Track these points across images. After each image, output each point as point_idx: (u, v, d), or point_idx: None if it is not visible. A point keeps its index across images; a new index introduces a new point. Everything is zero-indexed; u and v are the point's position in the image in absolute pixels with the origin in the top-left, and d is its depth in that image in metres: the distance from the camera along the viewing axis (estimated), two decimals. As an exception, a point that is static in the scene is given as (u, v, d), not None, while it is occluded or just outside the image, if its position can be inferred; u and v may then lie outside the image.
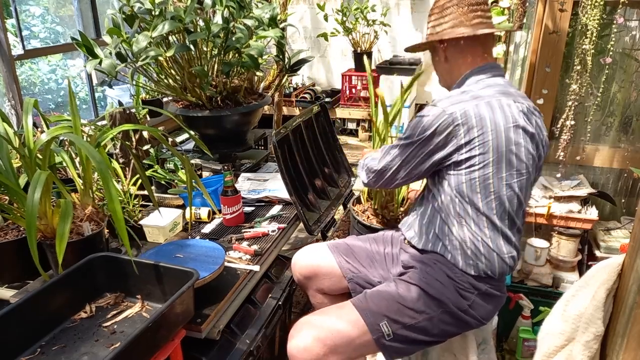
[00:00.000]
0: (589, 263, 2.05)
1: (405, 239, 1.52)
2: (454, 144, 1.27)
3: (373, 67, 4.93)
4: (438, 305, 1.34)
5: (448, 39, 1.36)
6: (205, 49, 2.14)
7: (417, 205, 1.51)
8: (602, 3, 1.78)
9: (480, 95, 1.29)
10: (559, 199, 2.03)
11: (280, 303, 1.67)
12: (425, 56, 5.01)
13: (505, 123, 1.26)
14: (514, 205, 1.32)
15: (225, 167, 1.85)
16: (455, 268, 1.35)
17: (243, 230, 1.79)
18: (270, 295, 1.69)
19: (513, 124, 1.27)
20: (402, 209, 2.00)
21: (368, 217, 2.01)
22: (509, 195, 1.30)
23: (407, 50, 1.58)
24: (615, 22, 1.88)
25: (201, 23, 2.05)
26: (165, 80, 2.18)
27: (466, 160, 1.27)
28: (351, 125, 5.01)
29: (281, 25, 2.27)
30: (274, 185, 2.13)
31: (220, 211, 1.84)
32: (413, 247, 1.47)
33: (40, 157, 1.40)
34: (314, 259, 1.65)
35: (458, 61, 1.39)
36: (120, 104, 2.54)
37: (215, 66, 2.16)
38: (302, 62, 2.45)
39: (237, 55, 2.04)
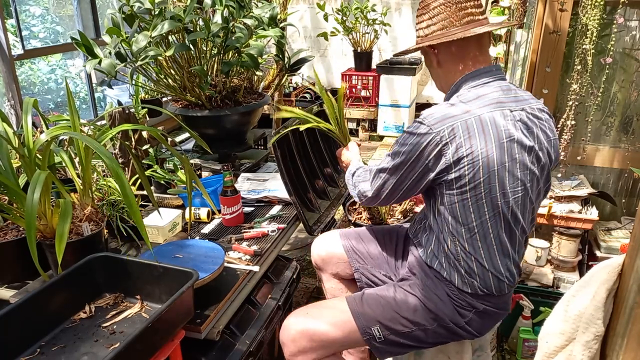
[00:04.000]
0: (590, 263, 2.05)
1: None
2: (443, 163, 1.20)
3: (373, 66, 4.93)
4: (434, 319, 1.33)
5: (438, 43, 1.27)
6: (204, 48, 2.14)
7: (422, 215, 1.48)
8: (602, 3, 1.78)
9: (470, 108, 1.20)
10: (559, 199, 2.03)
11: (280, 304, 1.67)
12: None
13: (497, 138, 1.18)
14: (510, 223, 1.25)
15: (225, 167, 1.85)
16: (452, 286, 1.32)
17: (243, 231, 1.79)
18: (270, 295, 1.69)
19: (507, 139, 1.19)
20: (399, 209, 1.99)
21: (361, 217, 2.00)
22: (504, 213, 1.23)
23: (397, 55, 1.54)
24: (615, 22, 1.87)
25: (201, 22, 2.05)
26: (165, 80, 2.18)
27: (457, 180, 1.20)
28: (351, 125, 5.01)
29: (281, 25, 2.27)
30: (274, 185, 2.13)
31: (219, 211, 1.84)
32: None
33: (40, 157, 1.39)
34: (328, 246, 1.68)
35: (451, 65, 1.30)
36: (119, 103, 2.53)
37: (215, 66, 2.16)
38: (302, 61, 2.45)
39: (236, 54, 2.04)
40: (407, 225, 1.66)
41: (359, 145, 1.76)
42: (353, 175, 1.50)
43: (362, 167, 1.50)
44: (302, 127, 1.78)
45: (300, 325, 1.35)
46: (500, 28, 1.41)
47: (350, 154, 1.66)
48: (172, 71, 2.15)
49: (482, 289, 1.29)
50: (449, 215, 1.26)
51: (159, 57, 1.93)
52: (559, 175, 2.11)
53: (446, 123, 1.19)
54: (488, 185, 1.19)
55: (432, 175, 1.23)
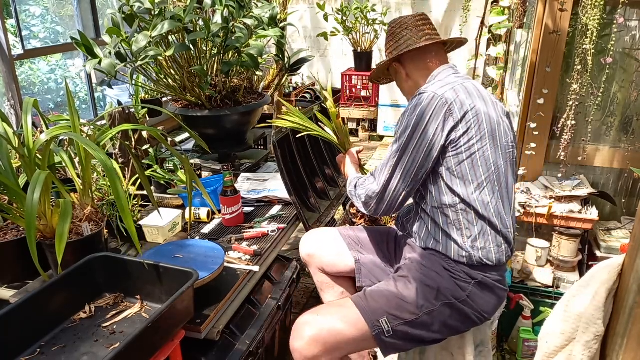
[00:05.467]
0: (590, 263, 2.05)
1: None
2: (451, 122, 1.30)
3: (373, 66, 4.93)
4: (436, 298, 1.35)
5: (402, 55, 1.48)
6: (204, 48, 2.14)
7: (407, 209, 1.53)
8: (602, 3, 1.78)
9: (461, 78, 1.40)
10: (559, 199, 2.03)
11: (280, 304, 1.67)
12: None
13: (489, 98, 1.39)
14: (509, 176, 1.38)
15: (225, 167, 1.85)
16: (448, 259, 1.37)
17: (243, 231, 1.79)
18: (270, 295, 1.69)
19: (493, 100, 1.40)
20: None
21: (364, 219, 2.01)
22: (505, 164, 1.36)
23: (371, 78, 1.71)
24: (615, 22, 1.87)
25: (201, 22, 2.05)
26: (165, 80, 2.18)
27: (464, 135, 1.30)
28: (351, 125, 5.01)
29: (281, 25, 2.27)
30: (274, 185, 2.13)
31: (219, 211, 1.84)
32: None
33: (40, 157, 1.39)
34: (319, 240, 1.70)
35: (418, 73, 1.49)
36: (119, 103, 2.53)
37: (215, 66, 2.16)
38: (302, 61, 2.45)
39: (236, 54, 2.04)
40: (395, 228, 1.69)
41: (359, 152, 1.76)
42: (356, 186, 1.51)
43: (362, 177, 1.53)
44: (301, 134, 1.79)
45: (314, 330, 1.34)
46: (449, 40, 1.54)
47: (347, 168, 1.69)
48: (172, 71, 2.15)
49: (478, 260, 1.34)
50: (457, 178, 1.33)
51: (159, 57, 1.93)
52: (559, 175, 2.11)
53: (447, 87, 1.34)
54: (492, 136, 1.34)
55: (442, 139, 1.31)
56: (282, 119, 1.80)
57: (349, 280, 1.69)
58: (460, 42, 1.55)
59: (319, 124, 1.83)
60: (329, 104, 1.75)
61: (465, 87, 1.35)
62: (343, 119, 4.92)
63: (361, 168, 1.72)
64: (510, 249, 1.39)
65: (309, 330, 1.34)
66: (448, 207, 1.35)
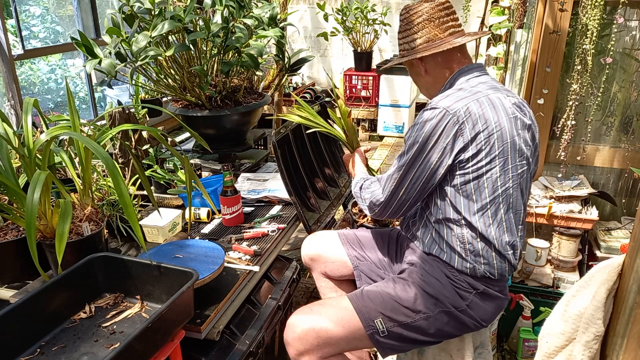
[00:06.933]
0: (590, 263, 2.05)
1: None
2: (461, 142, 1.25)
3: (373, 66, 4.93)
4: (435, 305, 1.34)
5: (427, 55, 1.38)
6: (204, 48, 2.14)
7: (413, 211, 1.51)
8: (602, 3, 1.78)
9: (478, 90, 1.31)
10: (559, 199, 2.03)
11: (280, 304, 1.67)
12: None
13: (506, 114, 1.29)
14: (518, 198, 1.33)
15: (225, 167, 1.85)
16: (451, 268, 1.35)
17: (243, 231, 1.79)
18: (270, 295, 1.69)
19: (512, 115, 1.30)
20: None
21: (367, 219, 2.01)
22: (514, 187, 1.30)
23: (385, 69, 1.60)
24: (615, 22, 1.87)
25: (201, 22, 2.05)
26: (165, 80, 2.18)
27: (473, 157, 1.26)
28: (351, 125, 5.01)
29: (281, 25, 2.27)
30: (274, 185, 2.13)
31: (219, 211, 1.84)
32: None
33: (40, 157, 1.39)
34: (321, 243, 1.69)
35: (439, 70, 1.41)
36: (119, 103, 2.53)
37: (215, 66, 2.16)
38: (302, 61, 2.45)
39: (236, 54, 2.04)
40: (398, 228, 1.67)
41: (367, 150, 1.75)
42: (361, 188, 1.50)
43: (368, 178, 1.52)
44: (310, 130, 1.79)
45: (306, 324, 1.35)
46: (477, 37, 1.50)
47: (356, 166, 1.68)
48: (172, 71, 2.15)
49: (482, 273, 1.33)
50: (461, 196, 1.30)
51: (159, 57, 1.93)
52: (559, 175, 2.11)
53: (460, 103, 1.27)
54: (502, 158, 1.27)
55: (449, 159, 1.27)
56: (292, 114, 1.79)
57: (351, 284, 1.68)
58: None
59: (327, 121, 1.83)
60: (340, 102, 1.75)
61: (479, 103, 1.27)
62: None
63: (367, 168, 1.72)
64: (512, 267, 1.36)
65: (301, 325, 1.35)
66: (452, 222, 1.33)
